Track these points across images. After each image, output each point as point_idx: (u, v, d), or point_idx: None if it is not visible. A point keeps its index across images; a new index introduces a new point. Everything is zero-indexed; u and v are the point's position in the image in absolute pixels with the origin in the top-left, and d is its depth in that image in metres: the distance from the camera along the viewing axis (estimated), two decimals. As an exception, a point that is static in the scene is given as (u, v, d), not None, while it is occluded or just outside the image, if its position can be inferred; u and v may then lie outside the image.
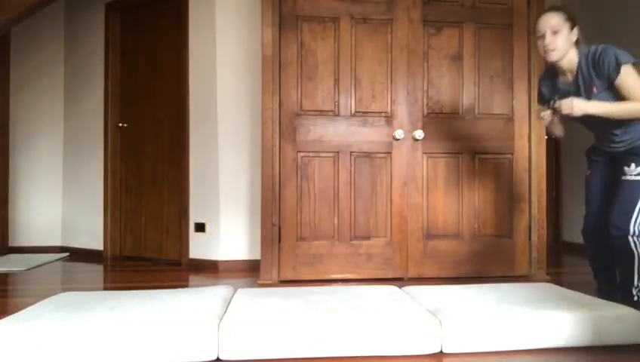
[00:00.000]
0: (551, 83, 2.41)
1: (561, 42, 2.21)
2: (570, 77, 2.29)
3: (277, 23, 3.08)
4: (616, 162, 2.29)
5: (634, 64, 2.13)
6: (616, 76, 2.12)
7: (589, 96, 2.22)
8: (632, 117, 2.15)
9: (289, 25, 3.10)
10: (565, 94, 2.29)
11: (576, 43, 2.26)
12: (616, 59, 2.12)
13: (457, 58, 3.22)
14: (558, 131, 2.44)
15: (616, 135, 2.25)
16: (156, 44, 4.10)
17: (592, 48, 2.21)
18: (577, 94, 2.25)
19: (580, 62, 2.23)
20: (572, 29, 2.23)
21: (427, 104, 3.19)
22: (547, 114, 2.30)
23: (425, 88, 3.19)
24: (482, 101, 3.24)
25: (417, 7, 3.17)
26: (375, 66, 3.16)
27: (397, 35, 3.17)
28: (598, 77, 2.18)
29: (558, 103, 2.20)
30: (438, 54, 3.21)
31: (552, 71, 2.38)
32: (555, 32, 2.21)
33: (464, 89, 3.22)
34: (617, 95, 2.16)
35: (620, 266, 2.29)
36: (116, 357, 1.70)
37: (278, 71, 3.08)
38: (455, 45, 3.22)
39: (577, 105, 2.15)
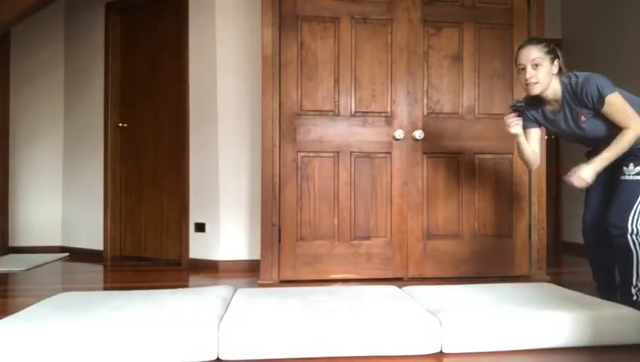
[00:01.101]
0: (536, 111, 2.39)
1: (542, 76, 2.21)
2: (556, 105, 2.30)
3: (277, 23, 3.08)
4: (616, 163, 2.30)
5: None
6: (602, 107, 2.14)
7: (577, 125, 2.25)
8: (631, 145, 2.16)
9: (289, 25, 3.10)
10: (554, 122, 2.33)
11: (559, 71, 2.25)
12: (599, 91, 2.13)
13: (457, 58, 3.22)
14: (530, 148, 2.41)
15: None
16: (156, 44, 4.10)
17: (573, 79, 2.21)
18: (566, 123, 2.28)
19: (563, 93, 2.24)
20: (553, 61, 2.23)
21: (427, 104, 3.19)
22: (512, 117, 2.34)
23: (425, 88, 3.19)
24: (482, 101, 3.24)
25: (417, 7, 3.18)
26: (375, 66, 3.16)
27: (397, 35, 3.17)
28: (583, 107, 2.20)
29: (569, 181, 2.19)
30: (438, 54, 3.21)
31: (535, 98, 2.34)
32: (536, 66, 2.21)
33: (464, 89, 3.22)
34: (606, 119, 2.18)
35: (619, 266, 2.30)
36: (116, 357, 1.70)
37: (278, 71, 3.08)
38: (455, 45, 3.22)
39: (587, 176, 2.17)
